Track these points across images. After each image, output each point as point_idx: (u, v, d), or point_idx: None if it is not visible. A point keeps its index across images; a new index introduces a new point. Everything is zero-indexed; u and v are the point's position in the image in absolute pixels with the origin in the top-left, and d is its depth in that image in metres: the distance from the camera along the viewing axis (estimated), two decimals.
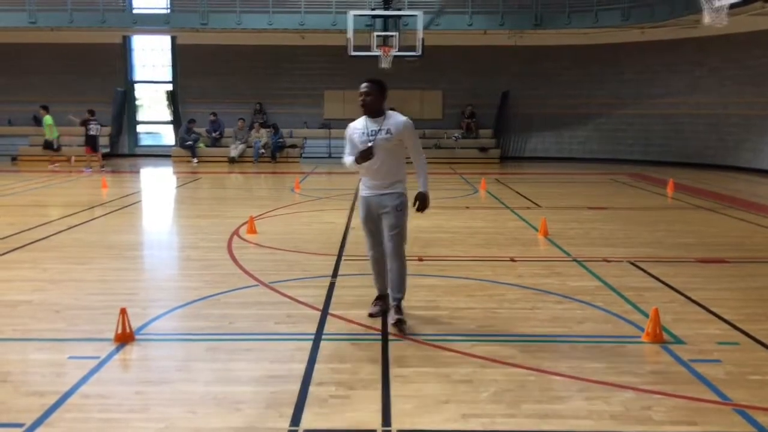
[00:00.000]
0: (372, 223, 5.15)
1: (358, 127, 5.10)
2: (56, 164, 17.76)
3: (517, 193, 13.01)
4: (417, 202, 5.11)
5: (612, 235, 8.69)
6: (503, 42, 20.48)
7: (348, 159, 5.15)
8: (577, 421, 3.54)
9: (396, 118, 5.03)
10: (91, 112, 17.64)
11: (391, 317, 5.00)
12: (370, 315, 5.24)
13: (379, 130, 4.96)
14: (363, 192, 5.19)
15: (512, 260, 7.22)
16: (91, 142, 17.37)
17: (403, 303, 5.10)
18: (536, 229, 8.85)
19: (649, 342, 4.70)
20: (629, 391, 3.91)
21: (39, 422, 3.45)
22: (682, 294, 5.91)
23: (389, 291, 5.15)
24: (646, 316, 5.07)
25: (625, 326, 5.09)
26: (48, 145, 18.34)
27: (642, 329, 4.87)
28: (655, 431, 3.45)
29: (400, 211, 5.05)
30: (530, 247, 8.00)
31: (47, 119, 18.11)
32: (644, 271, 6.76)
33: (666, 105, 19.82)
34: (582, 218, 10.11)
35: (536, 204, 11.39)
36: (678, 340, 4.73)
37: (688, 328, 4.99)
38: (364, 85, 5.05)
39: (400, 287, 5.07)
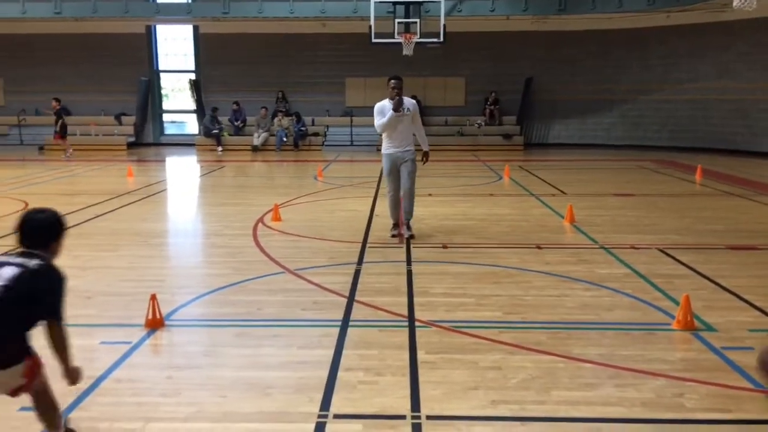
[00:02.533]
0: (395, 171, 7.56)
1: (387, 105, 7.43)
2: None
3: (542, 180, 12.91)
4: (423, 157, 7.79)
5: (639, 222, 8.58)
6: (526, 27, 20.25)
7: (382, 120, 7.37)
8: (608, 408, 3.51)
9: (410, 101, 7.52)
10: (58, 101, 18.44)
11: (405, 233, 7.57)
12: (393, 236, 7.61)
13: (403, 108, 7.36)
14: (388, 150, 7.55)
15: (538, 247, 7.17)
16: (64, 131, 18.41)
17: (411, 223, 7.68)
18: (562, 216, 8.77)
19: (680, 329, 4.65)
20: (660, 378, 3.87)
21: (73, 406, 3.51)
22: (713, 281, 5.83)
23: (403, 215, 7.67)
24: (676, 303, 5.01)
25: (654, 313, 5.04)
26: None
27: (672, 316, 4.82)
28: (688, 418, 3.42)
29: (414, 161, 7.56)
30: (556, 235, 7.93)
31: None
32: (673, 258, 6.68)
33: (693, 90, 19.46)
34: (608, 205, 10.00)
35: (561, 191, 11.28)
36: (709, 328, 4.67)
37: (719, 315, 4.92)
38: (394, 80, 7.36)
39: (411, 212, 7.71)
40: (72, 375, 3.05)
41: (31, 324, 2.87)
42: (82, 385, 3.71)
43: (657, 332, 4.66)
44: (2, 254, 3.18)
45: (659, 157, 17.26)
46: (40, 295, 2.84)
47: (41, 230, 3.03)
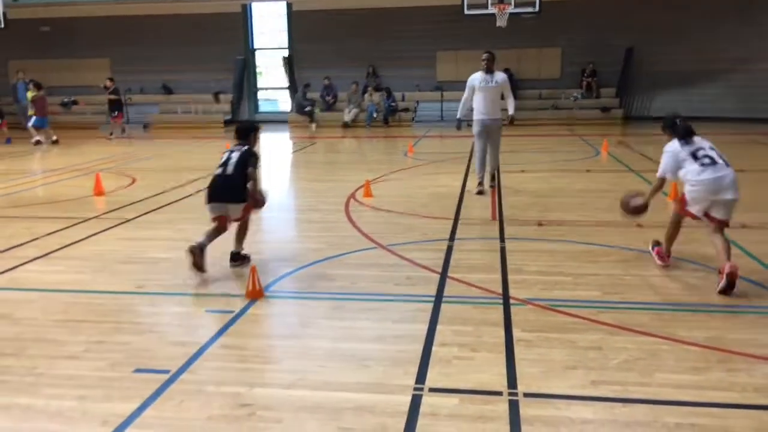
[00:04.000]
0: (484, 134, 8.79)
1: (478, 77, 8.74)
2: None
3: (642, 155, 12.35)
4: (509, 119, 8.98)
5: (753, 200, 8.01)
6: None
7: (459, 111, 9.08)
8: (717, 393, 3.34)
9: (499, 75, 8.77)
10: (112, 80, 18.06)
11: (489, 184, 8.99)
12: (478, 193, 8.71)
13: (492, 80, 8.68)
14: (478, 116, 8.75)
15: (639, 226, 6.88)
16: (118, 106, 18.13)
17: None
18: (665, 194, 8.36)
19: None
20: None
21: (183, 369, 3.70)
22: None
23: (488, 169, 9.01)
24: None
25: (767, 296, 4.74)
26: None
27: None
28: None
29: (500, 128, 8.93)
30: (660, 213, 7.53)
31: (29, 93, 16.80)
32: None
33: None
34: None
35: None
36: None
37: None
38: (486, 54, 8.70)
39: (495, 167, 9.16)
40: (258, 197, 5.64)
41: (246, 178, 5.48)
42: (191, 350, 3.93)
43: None
44: (233, 146, 5.73)
45: None
46: (249, 160, 5.55)
47: (245, 131, 5.82)
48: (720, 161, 5.08)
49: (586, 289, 4.98)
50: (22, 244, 6.51)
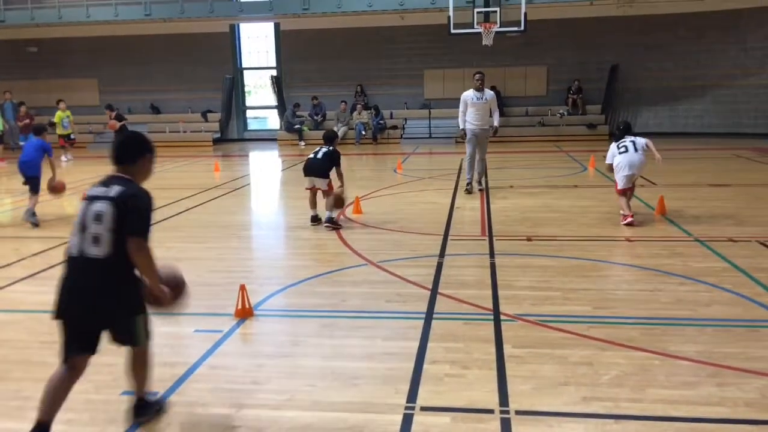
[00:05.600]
0: (474, 140, 10.13)
1: (471, 94, 10.10)
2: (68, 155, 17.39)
3: None
4: (495, 131, 10.42)
5: (738, 213, 8.13)
6: (611, 12, 19.49)
7: (460, 123, 10.29)
8: (709, 408, 3.34)
9: (488, 92, 10.23)
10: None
11: (478, 187, 10.35)
12: (467, 191, 10.14)
13: (482, 97, 10.07)
14: (470, 126, 10.10)
15: (628, 240, 6.91)
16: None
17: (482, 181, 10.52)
18: (652, 208, 8.42)
19: None
20: (765, 377, 3.66)
21: (171, 390, 3.66)
22: None
23: (476, 174, 10.37)
24: None
25: (757, 309, 4.76)
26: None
27: None
28: None
29: (487, 137, 10.35)
30: (647, 227, 7.62)
31: (59, 114, 17.24)
32: None
33: None
34: (703, 196, 9.53)
35: (651, 182, 10.82)
36: None
37: None
38: (478, 75, 10.09)
39: (482, 172, 10.60)
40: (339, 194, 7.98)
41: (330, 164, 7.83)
42: (179, 371, 3.88)
43: (760, 329, 4.41)
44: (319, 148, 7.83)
45: (757, 145, 16.30)
46: (333, 157, 7.86)
47: (329, 139, 8.16)
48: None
49: (577, 304, 4.99)
50: (8, 265, 6.44)
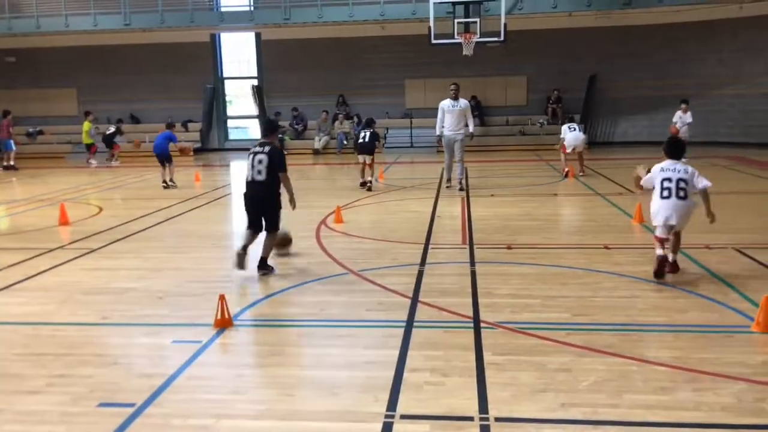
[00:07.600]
0: (450, 145, 11.43)
1: (447, 103, 11.43)
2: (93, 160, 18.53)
3: (608, 179, 12.57)
4: (471, 136, 11.60)
5: (715, 222, 8.22)
6: (590, 23, 19.79)
7: (437, 129, 11.64)
8: (685, 413, 3.38)
9: (462, 101, 11.48)
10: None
11: (457, 186, 11.41)
12: (447, 186, 11.58)
13: (457, 104, 11.34)
14: (446, 132, 11.43)
15: (606, 248, 6.98)
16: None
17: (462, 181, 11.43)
18: (631, 216, 8.52)
19: (760, 332, 4.44)
20: (741, 382, 3.70)
21: (149, 402, 3.62)
22: None
23: (456, 176, 11.51)
24: (755, 305, 4.79)
25: (732, 315, 4.82)
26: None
27: (751, 318, 4.61)
28: None
29: (462, 140, 11.45)
30: (625, 234, 7.71)
31: (86, 125, 18.44)
32: (750, 257, 6.39)
33: None
34: None
35: (629, 190, 10.94)
36: None
37: None
38: (453, 86, 11.43)
39: (461, 173, 11.59)
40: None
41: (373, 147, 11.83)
42: (157, 382, 3.85)
43: (735, 335, 4.46)
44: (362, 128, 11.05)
45: (732, 154, 16.56)
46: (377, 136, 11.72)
47: (370, 129, 12.07)
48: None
49: (556, 311, 5.02)
50: None
